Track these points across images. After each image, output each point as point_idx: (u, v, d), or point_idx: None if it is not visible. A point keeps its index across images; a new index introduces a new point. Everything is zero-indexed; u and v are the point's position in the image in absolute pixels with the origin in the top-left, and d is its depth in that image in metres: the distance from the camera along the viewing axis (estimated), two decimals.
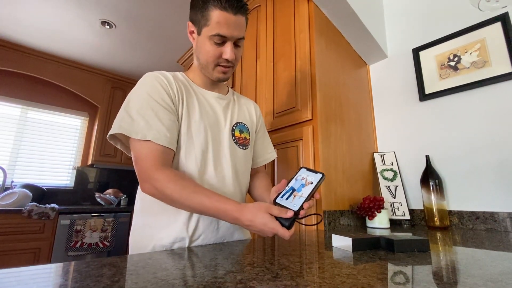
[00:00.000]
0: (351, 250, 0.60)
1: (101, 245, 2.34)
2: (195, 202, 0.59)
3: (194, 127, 0.72)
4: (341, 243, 0.64)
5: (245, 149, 0.84)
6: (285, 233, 0.54)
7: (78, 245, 2.23)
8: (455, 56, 1.26)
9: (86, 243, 2.27)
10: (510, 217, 1.02)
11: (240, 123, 0.85)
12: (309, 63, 1.17)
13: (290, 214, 0.55)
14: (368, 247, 0.62)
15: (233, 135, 0.81)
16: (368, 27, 1.33)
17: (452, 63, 1.26)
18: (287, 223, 0.55)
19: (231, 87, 1.65)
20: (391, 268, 0.46)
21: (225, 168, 0.76)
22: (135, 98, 0.66)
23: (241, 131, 0.83)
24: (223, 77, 0.76)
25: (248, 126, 0.88)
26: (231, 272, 0.41)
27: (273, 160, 1.23)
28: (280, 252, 0.58)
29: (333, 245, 0.66)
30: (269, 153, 0.96)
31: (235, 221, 0.59)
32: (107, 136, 0.66)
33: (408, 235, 0.65)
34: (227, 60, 0.72)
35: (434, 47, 1.33)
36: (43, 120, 2.87)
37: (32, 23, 2.33)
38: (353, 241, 0.60)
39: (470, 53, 1.22)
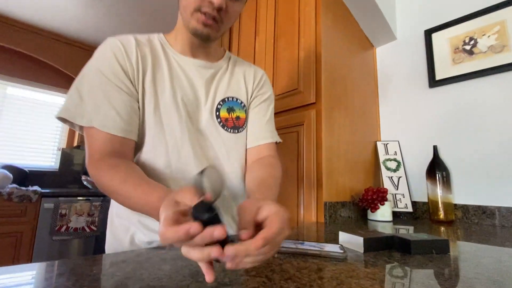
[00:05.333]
0: (362, 251, 0.52)
1: (87, 230, 2.25)
2: (123, 195, 0.45)
3: (164, 108, 0.57)
4: (350, 242, 0.56)
5: (238, 132, 0.66)
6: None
7: (63, 229, 2.14)
8: (471, 39, 1.16)
9: (72, 227, 2.18)
10: None
11: (231, 99, 0.66)
12: (314, 41, 1.06)
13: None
14: (381, 247, 0.55)
15: (217, 116, 0.63)
16: (379, 3, 1.21)
17: (468, 47, 1.16)
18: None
19: None
20: (422, 279, 0.38)
21: (208, 161, 0.61)
22: (87, 73, 0.53)
23: (231, 110, 0.65)
24: (200, 30, 0.55)
25: (243, 101, 0.68)
26: (225, 285, 0.33)
27: None
28: (279, 253, 0.50)
29: (339, 243, 0.58)
30: (269, 131, 0.69)
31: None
32: (56, 117, 0.51)
33: (424, 235, 0.58)
34: (211, 5, 0.52)
35: (448, 29, 1.23)
36: (24, 97, 2.68)
37: None
38: (365, 241, 0.52)
39: (488, 36, 1.12)
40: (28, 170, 2.52)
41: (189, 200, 0.30)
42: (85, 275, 0.34)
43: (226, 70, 0.68)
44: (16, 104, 2.64)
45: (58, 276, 0.34)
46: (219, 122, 0.63)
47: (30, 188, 2.11)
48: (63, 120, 0.51)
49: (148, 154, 0.56)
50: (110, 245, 0.60)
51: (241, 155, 0.66)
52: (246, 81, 0.70)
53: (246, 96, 0.70)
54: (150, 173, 0.55)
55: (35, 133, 2.72)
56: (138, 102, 0.56)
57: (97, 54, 0.55)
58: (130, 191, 0.44)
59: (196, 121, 0.61)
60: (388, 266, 0.44)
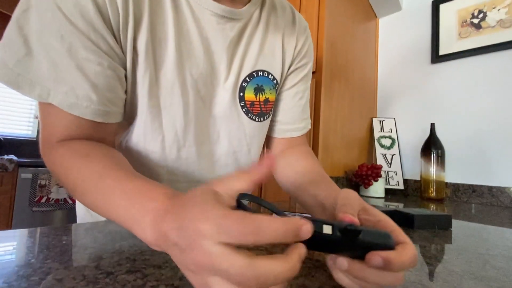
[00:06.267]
0: None
1: (70, 201, 2.18)
2: (97, 195, 0.27)
3: (164, 85, 0.38)
4: None
5: (263, 120, 0.49)
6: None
7: (43, 200, 2.06)
8: (480, 12, 1.10)
9: (53, 198, 2.09)
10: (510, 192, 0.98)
11: (260, 73, 0.46)
12: (318, 3, 0.96)
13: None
14: None
15: (241, 98, 0.45)
16: None
17: (476, 20, 1.10)
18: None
19: None
20: (436, 253, 0.35)
21: (219, 160, 0.46)
22: (36, 6, 0.30)
23: (259, 90, 0.46)
24: None
25: (276, 77, 0.48)
26: None
27: None
28: None
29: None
30: (303, 120, 0.55)
31: (155, 238, 0.21)
32: None
33: (425, 210, 0.56)
34: None
35: (457, 0, 1.15)
36: None
37: None
38: None
39: (498, 10, 1.06)
40: (3, 138, 2.37)
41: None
42: (51, 246, 0.29)
43: (258, 22, 0.45)
44: None
45: (16, 248, 0.28)
46: (243, 107, 0.45)
47: (6, 156, 1.99)
48: None
49: (138, 145, 0.41)
50: (83, 221, 0.50)
51: (260, 147, 0.53)
52: (285, 44, 0.48)
53: (281, 69, 0.49)
54: (138, 168, 0.37)
55: (9, 99, 2.52)
56: (126, 69, 0.36)
57: None
58: (113, 188, 0.26)
59: (209, 104, 0.43)
60: None
